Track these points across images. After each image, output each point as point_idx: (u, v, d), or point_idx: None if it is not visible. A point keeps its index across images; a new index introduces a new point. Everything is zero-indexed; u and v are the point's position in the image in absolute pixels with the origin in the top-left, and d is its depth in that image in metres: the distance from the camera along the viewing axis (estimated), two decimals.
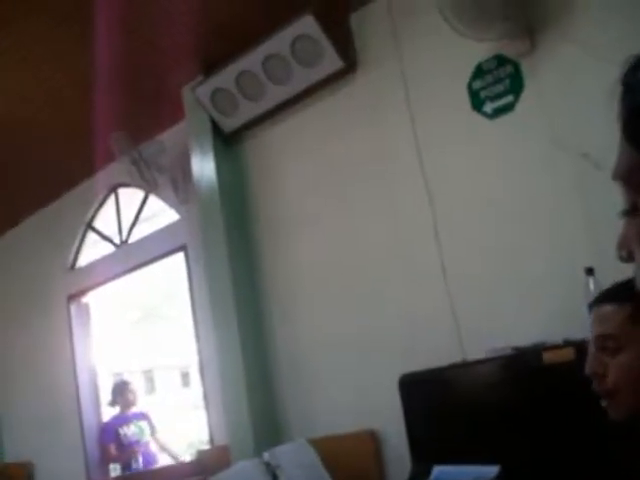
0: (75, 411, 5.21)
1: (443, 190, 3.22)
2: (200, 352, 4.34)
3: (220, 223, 3.89)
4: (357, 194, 3.56)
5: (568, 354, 2.40)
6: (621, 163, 0.66)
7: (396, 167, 3.41)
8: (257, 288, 3.96)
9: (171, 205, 4.62)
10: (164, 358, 16.77)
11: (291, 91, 3.70)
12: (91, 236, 5.42)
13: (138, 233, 4.98)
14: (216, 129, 4.01)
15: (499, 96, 3.04)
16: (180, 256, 4.56)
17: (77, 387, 5.24)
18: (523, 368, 2.62)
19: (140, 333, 15.19)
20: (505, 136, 3.03)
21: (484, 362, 2.77)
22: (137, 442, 4.84)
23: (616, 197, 0.70)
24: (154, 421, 5.15)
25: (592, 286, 2.49)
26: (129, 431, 4.84)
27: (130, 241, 5.03)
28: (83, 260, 5.45)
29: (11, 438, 5.89)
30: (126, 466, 4.75)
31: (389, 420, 3.21)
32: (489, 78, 3.08)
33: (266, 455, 3.11)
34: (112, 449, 4.78)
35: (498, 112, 3.05)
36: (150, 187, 4.44)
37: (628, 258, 0.69)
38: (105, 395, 5.34)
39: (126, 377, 7.50)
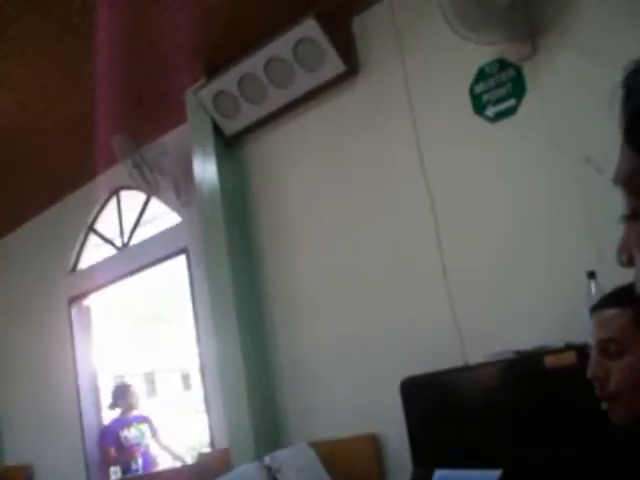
0: (76, 414, 5.21)
1: (445, 193, 3.22)
2: (201, 355, 4.34)
3: (221, 226, 3.89)
4: (359, 197, 3.56)
5: (570, 358, 2.40)
6: (622, 167, 0.66)
7: (398, 170, 3.41)
8: (258, 291, 3.96)
9: (173, 208, 4.62)
10: (165, 361, 16.76)
11: (293, 94, 3.71)
12: (92, 239, 5.43)
13: (140, 236, 4.98)
14: (218, 132, 4.02)
15: (501, 100, 3.04)
16: (181, 259, 4.57)
17: (78, 390, 5.24)
18: (525, 372, 2.61)
19: (141, 336, 15.18)
20: (507, 140, 3.03)
21: (485, 366, 2.76)
22: (137, 445, 4.84)
23: (617, 201, 0.70)
24: (155, 423, 5.14)
25: (594, 290, 2.48)
26: (129, 434, 4.84)
27: (131, 244, 5.03)
28: (84, 263, 5.45)
29: (11, 440, 5.89)
30: (126, 468, 4.75)
31: (390, 424, 3.21)
32: (491, 82, 3.08)
33: (267, 459, 3.11)
34: (112, 452, 4.77)
35: (500, 116, 3.05)
36: (152, 190, 4.45)
37: (628, 263, 0.68)
38: (106, 398, 5.33)
39: (127, 380, 7.49)
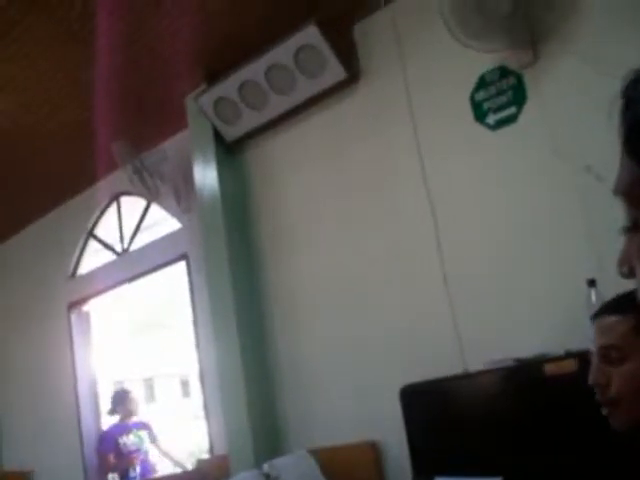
0: (75, 419, 5.19)
1: (445, 201, 3.22)
2: (200, 361, 4.33)
3: (221, 232, 3.89)
4: (359, 204, 3.57)
5: (570, 365, 2.39)
6: (622, 178, 0.65)
7: (398, 177, 3.42)
8: (258, 297, 3.96)
9: (173, 214, 4.62)
10: (165, 367, 16.75)
11: (294, 101, 3.71)
12: (92, 244, 5.42)
13: (140, 241, 4.98)
14: (219, 138, 4.02)
15: (502, 107, 3.05)
16: (181, 265, 4.56)
17: (77, 395, 5.23)
18: (525, 379, 2.61)
19: (141, 341, 15.18)
20: (507, 147, 3.03)
21: (486, 373, 2.76)
22: (136, 451, 4.82)
23: (618, 209, 0.70)
24: (155, 429, 5.13)
25: (594, 297, 2.48)
26: (128, 440, 4.82)
27: (131, 249, 5.03)
28: (84, 268, 5.45)
29: (10, 446, 5.88)
30: (124, 475, 4.73)
31: (390, 431, 3.20)
32: (492, 89, 3.09)
33: (265, 466, 3.10)
34: (111, 458, 4.76)
35: (501, 123, 3.06)
36: (152, 196, 4.45)
37: (629, 274, 0.68)
38: (105, 403, 5.32)
39: (126, 386, 7.47)
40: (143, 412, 5.43)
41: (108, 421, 5.15)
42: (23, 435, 5.73)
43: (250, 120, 3.87)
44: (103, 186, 5.15)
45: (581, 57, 2.77)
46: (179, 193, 4.44)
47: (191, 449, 9.42)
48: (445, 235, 3.20)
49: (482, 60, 3.04)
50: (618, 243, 0.72)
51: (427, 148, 3.31)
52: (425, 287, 3.25)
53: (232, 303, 3.77)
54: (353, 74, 3.56)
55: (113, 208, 5.24)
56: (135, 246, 5.00)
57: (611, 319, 1.30)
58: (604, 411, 1.30)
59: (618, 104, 0.64)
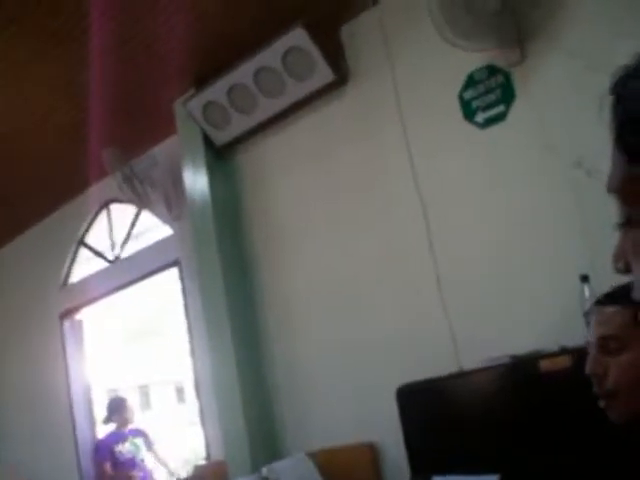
0: (70, 428, 5.17)
1: (436, 200, 3.23)
2: (195, 367, 4.31)
3: (213, 237, 3.88)
4: (351, 205, 3.56)
5: (564, 361, 2.40)
6: (614, 175, 0.65)
7: (389, 178, 3.42)
8: (252, 302, 3.95)
9: (164, 220, 4.61)
10: (159, 374, 16.69)
11: (283, 104, 3.71)
12: (83, 252, 5.40)
13: (131, 249, 4.96)
14: (208, 143, 4.01)
15: (490, 106, 3.05)
16: (174, 271, 4.55)
17: (71, 404, 5.20)
18: (520, 376, 2.61)
19: (135, 349, 15.12)
20: (497, 146, 3.04)
21: (481, 371, 2.76)
22: (132, 459, 4.79)
23: (610, 205, 0.70)
24: (151, 437, 5.10)
25: (587, 293, 2.49)
26: (124, 448, 4.79)
27: (123, 257, 5.01)
28: (75, 277, 5.42)
29: (6, 456, 5.83)
30: None
31: (387, 431, 3.20)
32: (480, 88, 3.09)
33: (264, 470, 3.09)
34: (107, 467, 4.72)
35: (489, 122, 3.06)
36: (142, 202, 4.43)
37: (625, 270, 0.68)
38: (100, 412, 5.29)
39: (121, 393, 7.43)
40: (139, 420, 5.40)
41: (103, 430, 5.12)
42: (18, 445, 5.70)
43: (239, 124, 3.87)
44: (93, 194, 5.12)
45: (568, 54, 2.78)
46: (169, 199, 4.42)
47: (187, 456, 9.39)
48: (437, 234, 3.20)
49: (470, 59, 3.05)
50: (611, 239, 0.72)
51: (417, 148, 3.31)
52: (419, 287, 3.25)
53: (225, 308, 3.76)
54: (341, 76, 3.56)
55: (103, 216, 5.21)
56: (126, 253, 4.98)
57: (610, 310, 1.30)
58: (601, 403, 1.29)
59: (608, 100, 0.64)
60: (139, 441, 4.91)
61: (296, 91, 3.62)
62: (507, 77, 3.02)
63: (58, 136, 4.23)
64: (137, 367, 15.67)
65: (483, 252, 3.05)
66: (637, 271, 0.66)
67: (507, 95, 3.01)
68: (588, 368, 1.32)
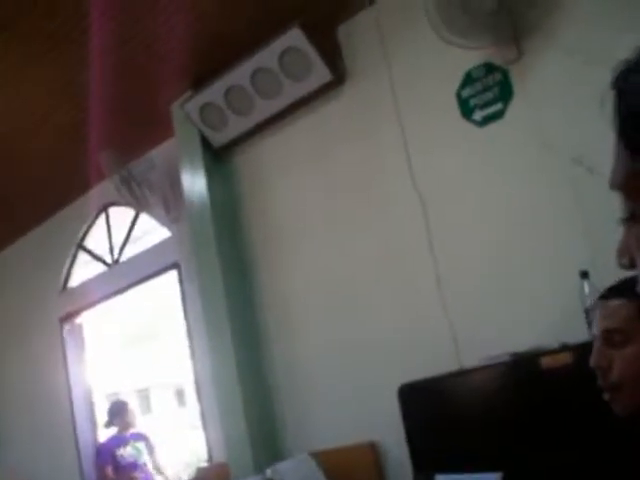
0: (71, 433, 5.16)
1: (435, 199, 3.23)
2: (196, 369, 4.31)
3: (212, 238, 3.88)
4: (349, 205, 3.56)
5: (566, 358, 2.40)
6: (618, 171, 0.65)
7: (387, 177, 3.42)
8: (251, 303, 3.94)
9: (162, 223, 4.60)
10: (159, 377, 16.66)
11: (280, 104, 3.70)
12: (82, 256, 5.39)
13: (130, 252, 4.95)
14: (206, 144, 4.00)
15: (488, 104, 3.05)
16: (173, 274, 4.54)
17: (72, 409, 5.19)
18: (521, 374, 2.61)
19: (134, 352, 15.10)
20: (495, 144, 3.04)
21: (482, 369, 2.76)
22: (134, 463, 4.78)
23: (609, 201, 0.70)
24: (152, 441, 5.09)
25: (587, 289, 2.49)
26: (125, 452, 4.78)
27: (122, 260, 5.00)
28: (75, 281, 5.42)
29: (6, 460, 5.82)
30: None
31: (389, 431, 3.19)
32: (478, 86, 3.09)
33: (269, 471, 3.10)
34: (109, 471, 4.71)
35: (488, 120, 3.06)
36: (141, 205, 4.43)
37: (630, 265, 0.68)
38: (101, 416, 5.28)
39: (122, 397, 7.42)
40: (139, 424, 5.39)
41: (105, 433, 5.11)
42: (19, 448, 5.69)
43: (237, 125, 3.86)
44: (91, 197, 5.11)
45: (566, 50, 2.78)
46: (168, 202, 4.42)
47: (188, 459, 9.36)
48: (436, 232, 3.20)
49: (467, 57, 3.05)
50: (611, 235, 0.72)
51: (415, 147, 3.31)
52: (418, 286, 3.25)
53: (225, 309, 3.75)
54: (338, 76, 3.56)
55: (102, 219, 5.21)
56: (125, 257, 4.98)
57: (614, 303, 1.30)
58: (605, 396, 1.29)
59: (610, 95, 0.63)
60: (141, 445, 4.90)
61: (293, 91, 3.62)
62: (505, 75, 3.02)
63: (56, 137, 4.21)
64: (136, 371, 15.64)
65: (482, 250, 3.05)
66: None
67: (505, 93, 3.02)
68: (592, 361, 1.32)
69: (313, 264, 3.71)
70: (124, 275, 4.86)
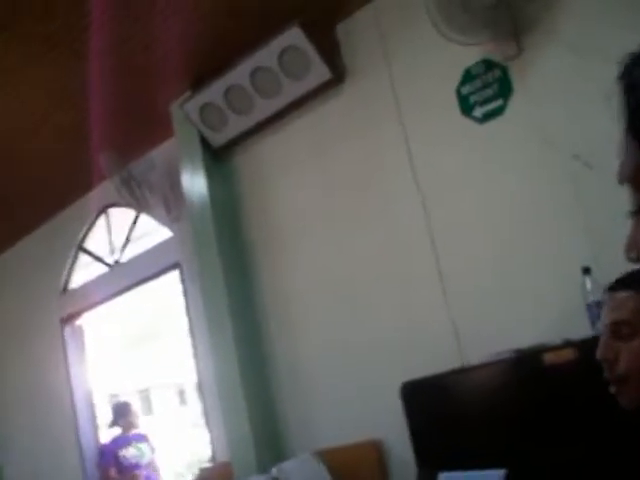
0: (73, 434, 5.16)
1: (437, 196, 3.23)
2: (198, 369, 4.31)
3: (213, 238, 3.87)
4: (351, 203, 3.56)
5: (569, 354, 2.40)
6: (627, 164, 0.64)
7: (388, 175, 3.41)
8: (253, 302, 3.94)
9: (163, 223, 4.60)
10: (161, 377, 16.66)
11: (280, 104, 3.70)
12: (83, 258, 5.39)
13: (131, 252, 4.95)
14: (205, 144, 4.00)
15: (488, 100, 3.05)
16: (174, 274, 4.54)
17: (74, 410, 5.19)
18: (524, 370, 2.61)
19: (135, 354, 15.09)
20: (496, 140, 3.04)
21: (486, 366, 2.76)
22: (137, 464, 4.78)
23: (611, 197, 0.69)
24: (153, 443, 5.08)
25: (589, 285, 2.50)
26: (128, 453, 4.77)
27: (123, 261, 5.00)
28: (75, 282, 5.41)
29: (8, 461, 5.82)
30: None
31: (392, 429, 3.19)
32: (478, 82, 3.09)
33: (274, 470, 3.10)
34: (112, 472, 4.71)
35: (488, 116, 3.06)
36: (141, 206, 4.42)
37: (638, 259, 0.67)
38: (102, 417, 5.28)
39: (124, 398, 7.42)
40: (142, 424, 5.39)
41: (107, 434, 5.11)
42: (20, 450, 5.69)
43: (236, 125, 3.86)
44: (91, 198, 5.11)
45: (565, 46, 2.78)
46: (168, 202, 4.41)
47: (190, 459, 9.36)
48: (438, 230, 3.20)
49: (467, 53, 3.04)
50: (613, 231, 0.72)
51: (415, 144, 3.30)
52: (421, 283, 3.25)
53: (227, 308, 3.75)
54: (338, 74, 3.56)
55: (102, 220, 5.20)
56: (126, 258, 4.97)
57: (622, 295, 1.30)
58: (612, 389, 1.29)
59: (617, 89, 0.63)
60: (143, 446, 4.90)
61: (293, 90, 3.62)
62: (504, 71, 3.01)
63: (56, 137, 4.20)
64: (137, 371, 15.64)
65: (484, 247, 3.05)
66: None
67: (505, 89, 3.01)
68: (599, 353, 1.31)
69: (314, 262, 3.71)
70: (125, 276, 4.86)
